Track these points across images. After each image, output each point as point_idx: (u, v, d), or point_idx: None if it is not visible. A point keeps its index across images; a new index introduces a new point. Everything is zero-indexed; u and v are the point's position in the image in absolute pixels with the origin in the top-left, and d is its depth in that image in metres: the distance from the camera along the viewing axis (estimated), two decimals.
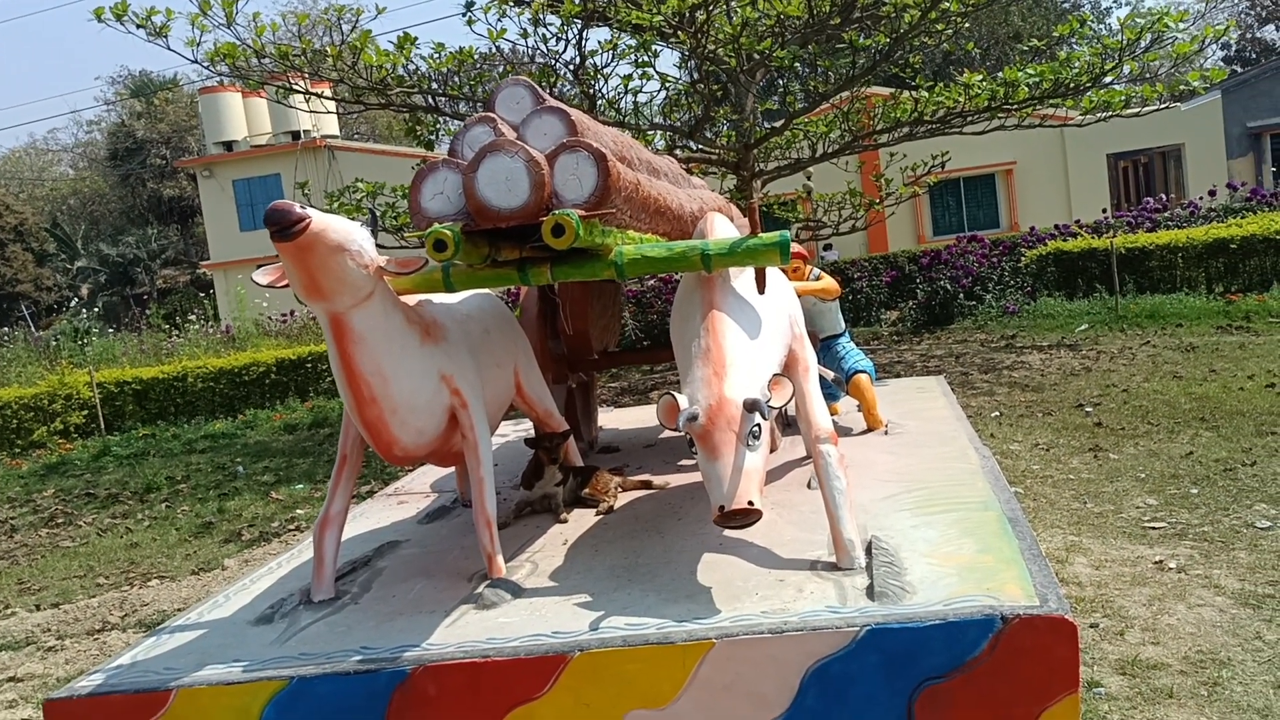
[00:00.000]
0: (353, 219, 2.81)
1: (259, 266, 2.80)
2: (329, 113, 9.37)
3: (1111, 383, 9.11)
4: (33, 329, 27.47)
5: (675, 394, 2.77)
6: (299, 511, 7.85)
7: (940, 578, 2.69)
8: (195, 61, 8.41)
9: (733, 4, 9.36)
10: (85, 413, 13.75)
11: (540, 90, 2.92)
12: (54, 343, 19.01)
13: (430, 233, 2.65)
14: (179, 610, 5.14)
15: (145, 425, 13.77)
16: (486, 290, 3.65)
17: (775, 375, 2.77)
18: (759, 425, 2.69)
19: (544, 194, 2.67)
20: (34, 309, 39.84)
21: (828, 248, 21.75)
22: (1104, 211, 19.09)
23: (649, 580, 2.94)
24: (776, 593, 2.72)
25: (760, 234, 2.98)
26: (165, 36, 8.27)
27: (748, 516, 2.63)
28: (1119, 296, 13.68)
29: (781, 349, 3.09)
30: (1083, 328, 12.81)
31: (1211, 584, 4.29)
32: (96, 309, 29.21)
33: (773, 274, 3.30)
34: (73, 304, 33.29)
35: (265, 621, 3.03)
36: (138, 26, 8.26)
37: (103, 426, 13.45)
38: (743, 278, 3.11)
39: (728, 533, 3.01)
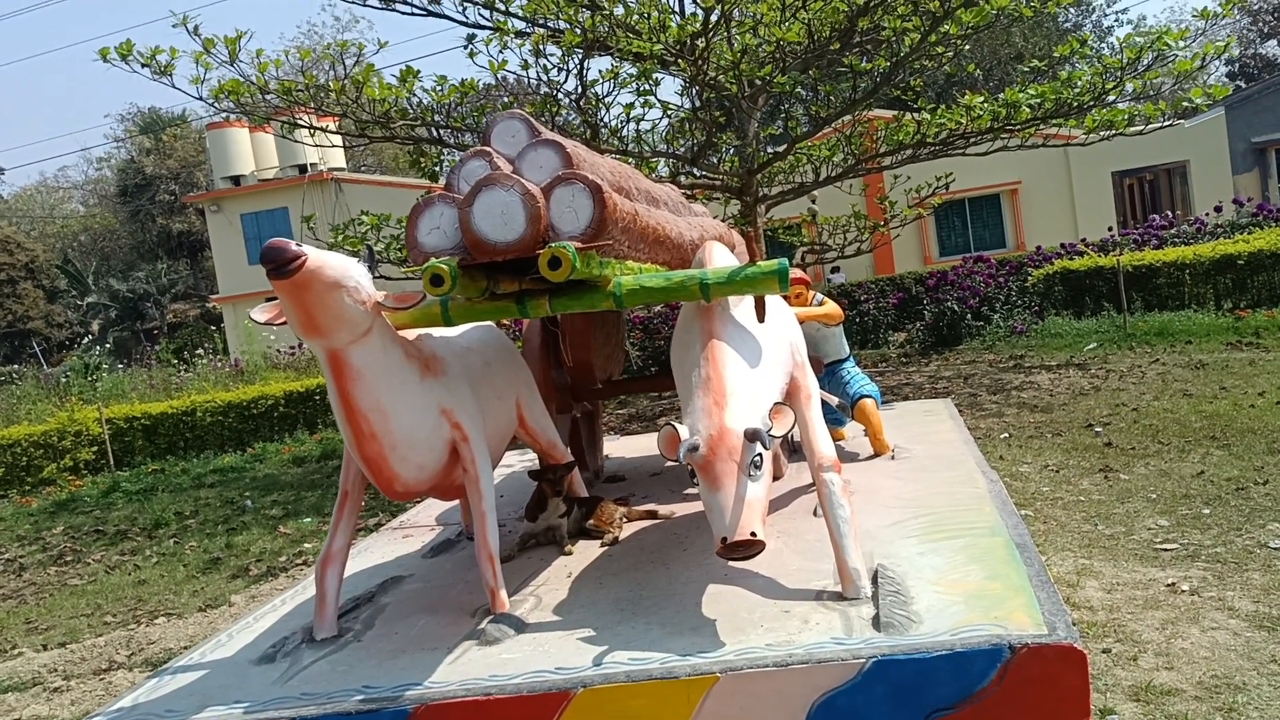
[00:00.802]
0: (355, 251, 2.81)
1: (268, 299, 2.80)
2: (334, 146, 9.44)
3: (1121, 402, 9.05)
4: (44, 366, 27.62)
5: (676, 424, 2.75)
6: (306, 545, 7.83)
7: (947, 606, 2.66)
8: (200, 99, 8.49)
9: (733, 31, 9.40)
10: (95, 449, 13.79)
11: (535, 123, 2.92)
12: (64, 379, 19.08)
13: (427, 268, 2.65)
14: (185, 648, 5.11)
15: (154, 460, 13.79)
16: (488, 322, 3.64)
17: (776, 404, 2.76)
18: (760, 455, 2.67)
19: (540, 227, 2.67)
20: (45, 345, 40.08)
21: (835, 270, 21.78)
22: (1110, 230, 19.08)
23: (653, 613, 2.91)
24: (781, 624, 2.69)
25: (759, 262, 2.97)
26: (170, 75, 8.35)
27: (750, 548, 2.60)
28: (1127, 315, 13.63)
29: (783, 377, 3.08)
30: (1091, 346, 12.75)
31: (1225, 606, 4.23)
32: (108, 345, 29.32)
33: (773, 301, 3.29)
34: (84, 340, 33.43)
35: (268, 661, 3.01)
36: (143, 65, 8.34)
37: (112, 463, 13.48)
38: (742, 306, 3.10)
39: (732, 563, 2.98)
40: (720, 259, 3.18)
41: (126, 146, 48.94)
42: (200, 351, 21.66)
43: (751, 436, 2.65)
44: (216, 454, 13.74)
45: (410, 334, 3.13)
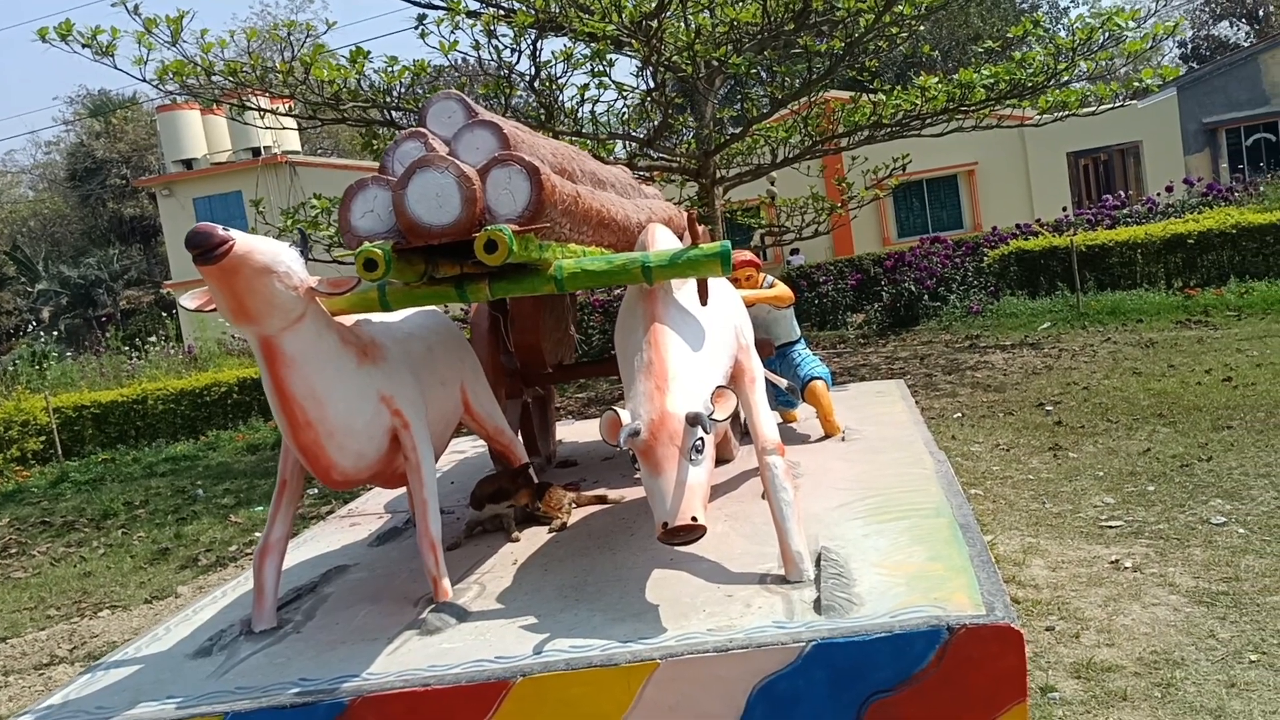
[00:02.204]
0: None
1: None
2: (286, 129, 9.27)
3: (1072, 380, 9.16)
4: None
5: (618, 409, 2.72)
6: (258, 534, 7.68)
7: (889, 588, 2.65)
8: (144, 80, 8.30)
9: (688, 11, 9.34)
10: (43, 439, 13.52)
11: (472, 104, 2.86)
12: (11, 368, 18.69)
13: (360, 252, 2.59)
14: (128, 641, 5.02)
15: (104, 450, 13.56)
16: (432, 307, 3.59)
17: (719, 387, 2.73)
18: (702, 439, 2.64)
19: (476, 210, 2.61)
20: None
21: (794, 252, 21.83)
22: (1064, 210, 19.29)
23: (597, 599, 2.89)
24: (724, 609, 2.67)
25: (701, 244, 2.94)
26: (112, 56, 8.15)
27: (692, 533, 2.58)
28: (1080, 294, 13.79)
29: (726, 360, 3.05)
30: (1045, 326, 12.89)
31: (1166, 582, 4.30)
32: (58, 332, 28.76)
33: (718, 284, 3.26)
34: (31, 328, 32.80)
35: (204, 654, 2.95)
36: (84, 46, 8.13)
37: (60, 452, 13.23)
38: (686, 289, 3.07)
39: (676, 548, 2.96)
40: (663, 241, 3.15)
41: (76, 130, 47.93)
42: (153, 338, 21.31)
43: (693, 421, 2.62)
44: (169, 442, 13.55)
45: (348, 319, 3.07)
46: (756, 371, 3.21)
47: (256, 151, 28.06)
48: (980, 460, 6.84)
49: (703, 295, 2.99)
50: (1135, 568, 4.51)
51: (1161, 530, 4.96)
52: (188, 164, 29.46)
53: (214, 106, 10.96)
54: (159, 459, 12.48)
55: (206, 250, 2.41)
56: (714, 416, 2.67)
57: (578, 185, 3.15)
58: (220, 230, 2.43)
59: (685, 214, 4.71)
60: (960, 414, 8.43)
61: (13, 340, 36.80)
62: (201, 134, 29.46)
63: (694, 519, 2.55)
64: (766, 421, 3.04)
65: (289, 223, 9.07)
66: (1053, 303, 14.01)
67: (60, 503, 10.70)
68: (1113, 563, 4.61)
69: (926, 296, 14.99)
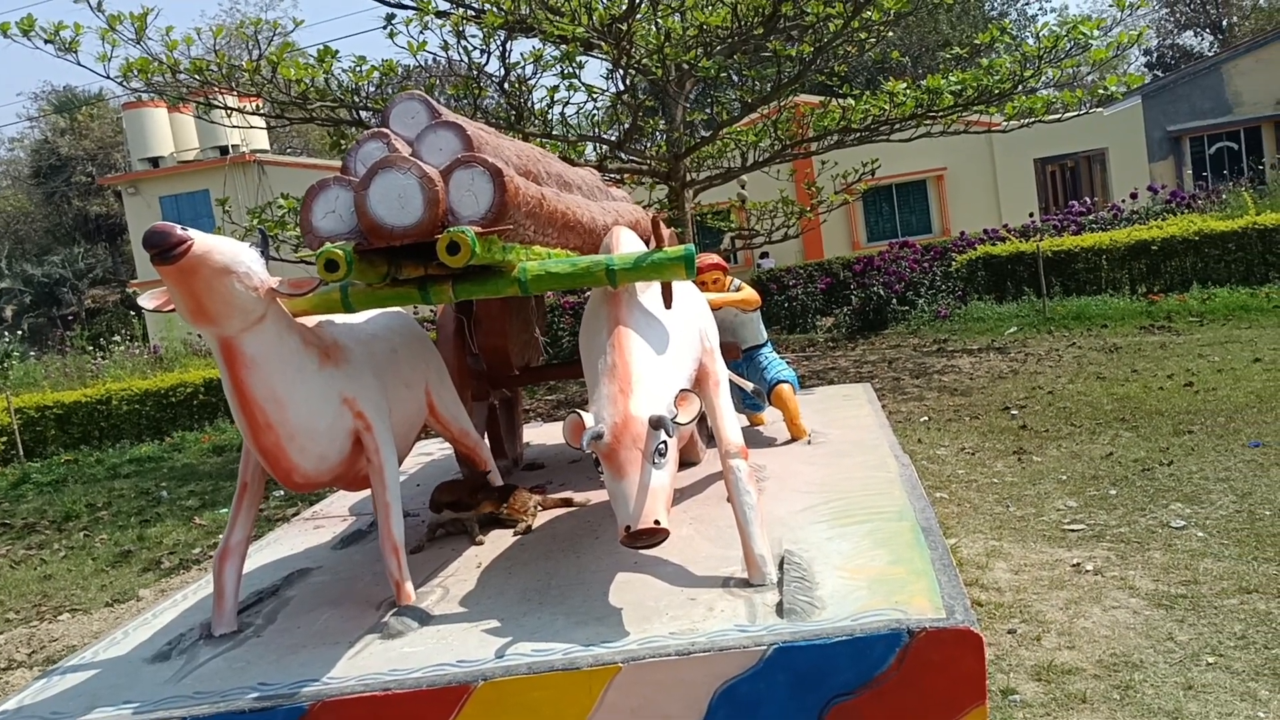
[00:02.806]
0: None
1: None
2: (253, 127, 9.19)
3: (1037, 385, 9.25)
4: None
5: (581, 412, 2.72)
6: (222, 537, 7.64)
7: (850, 591, 2.67)
8: (108, 78, 8.21)
9: (658, 15, 9.35)
10: (4, 439, 13.32)
11: (436, 104, 2.85)
12: None
13: (321, 253, 2.58)
14: (85, 645, 4.96)
15: (68, 451, 13.37)
16: (397, 309, 3.57)
17: (682, 391, 2.73)
18: (665, 442, 2.64)
19: (438, 211, 2.61)
20: None
21: (764, 256, 21.90)
22: (1030, 215, 19.47)
23: (560, 603, 2.88)
24: (687, 612, 2.68)
25: (665, 247, 2.94)
26: (75, 52, 8.04)
27: (654, 536, 2.58)
28: (1046, 299, 13.92)
29: (690, 363, 3.06)
30: (1012, 330, 13.01)
31: (1127, 585, 4.34)
32: (21, 331, 28.33)
33: (683, 287, 3.27)
34: None
35: (162, 659, 2.92)
36: (46, 42, 8.02)
37: (22, 453, 13.03)
38: (650, 292, 3.07)
39: (640, 551, 2.96)
40: (628, 244, 3.15)
41: (40, 126, 47.25)
42: (118, 338, 21.04)
43: (656, 424, 2.63)
44: (133, 444, 13.37)
45: (311, 321, 3.05)
46: (721, 375, 3.22)
47: (224, 150, 27.78)
48: (946, 464, 6.88)
49: (667, 298, 2.99)
50: (1096, 571, 4.55)
51: (1122, 534, 5.01)
52: (154, 162, 29.11)
53: (180, 104, 10.84)
54: (123, 460, 12.32)
55: (164, 250, 2.39)
56: (677, 420, 2.67)
57: (543, 187, 3.14)
58: (179, 230, 2.41)
59: (651, 217, 4.72)
60: (927, 417, 8.48)
61: None
62: (168, 132, 29.14)
63: (657, 522, 2.55)
64: (730, 425, 3.05)
65: (255, 222, 8.98)
66: (1019, 307, 14.14)
67: (21, 504, 10.54)
68: (1074, 566, 4.65)
69: (895, 301, 15.08)
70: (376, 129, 2.81)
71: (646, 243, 3.66)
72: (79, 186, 41.58)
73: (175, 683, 2.70)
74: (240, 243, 2.61)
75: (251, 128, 9.78)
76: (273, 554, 4.03)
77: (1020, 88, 10.43)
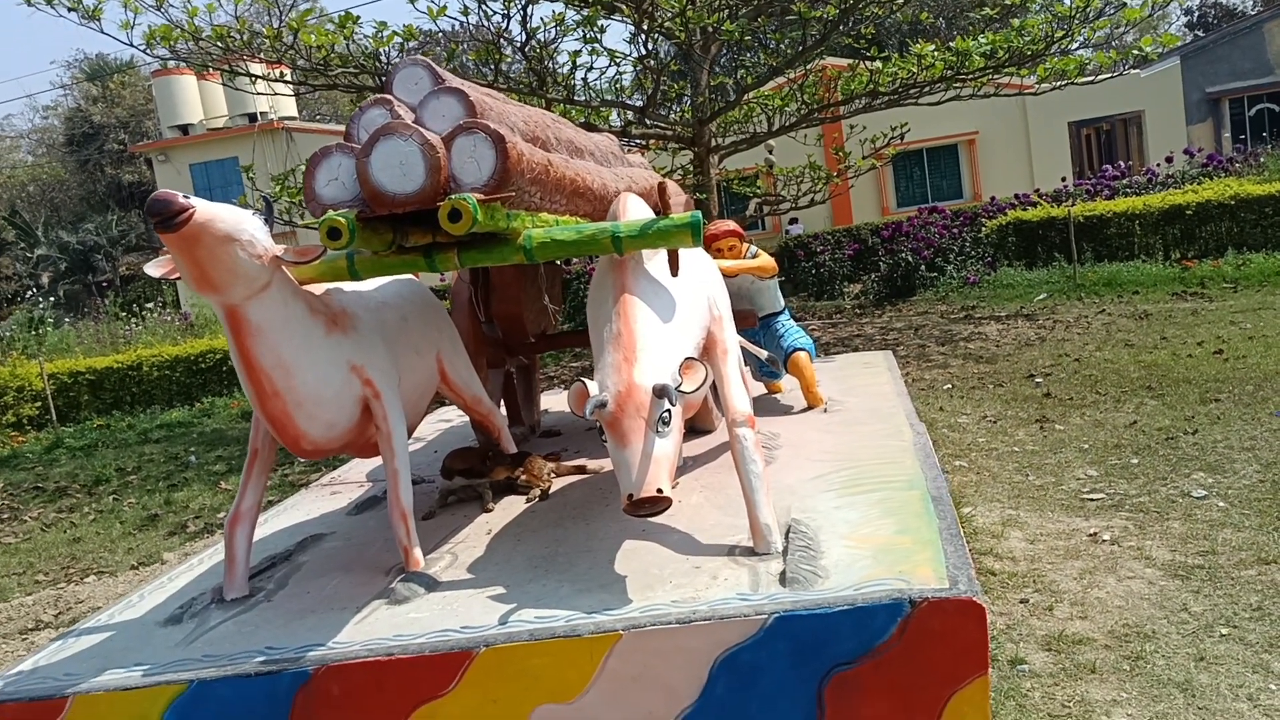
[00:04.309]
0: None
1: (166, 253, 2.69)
2: (278, 94, 9.17)
3: (1064, 352, 9.14)
4: None
5: (586, 380, 2.71)
6: (233, 503, 7.74)
7: (855, 561, 2.66)
8: (130, 45, 8.22)
9: None
10: (38, 405, 13.53)
11: (440, 70, 2.83)
12: (7, 334, 18.68)
13: (324, 220, 2.57)
14: (102, 608, 5.06)
15: (100, 416, 13.57)
16: (408, 276, 3.57)
17: (688, 359, 2.71)
18: (669, 411, 2.63)
19: (440, 178, 2.59)
20: None
21: (793, 222, 21.74)
22: (1063, 180, 19.17)
23: (566, 570, 2.89)
24: (690, 580, 2.68)
25: (673, 214, 2.91)
26: (98, 20, 8.06)
27: (657, 504, 2.58)
28: (1077, 265, 13.73)
29: (698, 332, 3.03)
30: (1041, 297, 12.85)
31: (1143, 555, 4.30)
32: (54, 298, 28.68)
33: (693, 254, 3.24)
34: (29, 294, 32.75)
35: (174, 622, 2.96)
36: (69, 10, 8.05)
37: (55, 418, 13.24)
38: (657, 260, 3.04)
39: (649, 519, 2.96)
40: (635, 211, 3.11)
41: (73, 94, 47.61)
42: (151, 305, 21.26)
43: (660, 393, 2.61)
44: (163, 409, 13.55)
45: (318, 289, 3.05)
46: (730, 343, 3.20)
47: (253, 117, 27.88)
48: (966, 432, 6.83)
49: (673, 266, 2.97)
50: (1113, 541, 4.50)
51: (1142, 503, 4.96)
52: (184, 129, 29.29)
53: (206, 72, 10.87)
54: (153, 425, 12.49)
55: (166, 218, 2.39)
56: (682, 388, 2.66)
57: (550, 154, 3.11)
58: (180, 198, 2.41)
59: (669, 183, 4.68)
60: (950, 385, 8.42)
61: (12, 306, 36.74)
62: (198, 99, 29.27)
63: (659, 491, 2.55)
64: (738, 393, 3.03)
65: (278, 189, 9.01)
66: (1049, 274, 13.96)
67: (54, 468, 10.72)
68: (1091, 535, 4.61)
69: (924, 267, 14.93)
70: (379, 95, 2.79)
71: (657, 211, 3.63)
72: (112, 154, 41.91)
73: (185, 646, 2.74)
74: (244, 210, 2.61)
75: (276, 95, 9.76)
76: (289, 519, 4.07)
77: (1053, 49, 10.22)
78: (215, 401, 13.35)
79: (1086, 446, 6.10)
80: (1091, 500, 5.10)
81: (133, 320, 19.03)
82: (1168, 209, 13.94)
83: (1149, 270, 13.10)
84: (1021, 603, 3.97)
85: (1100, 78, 10.76)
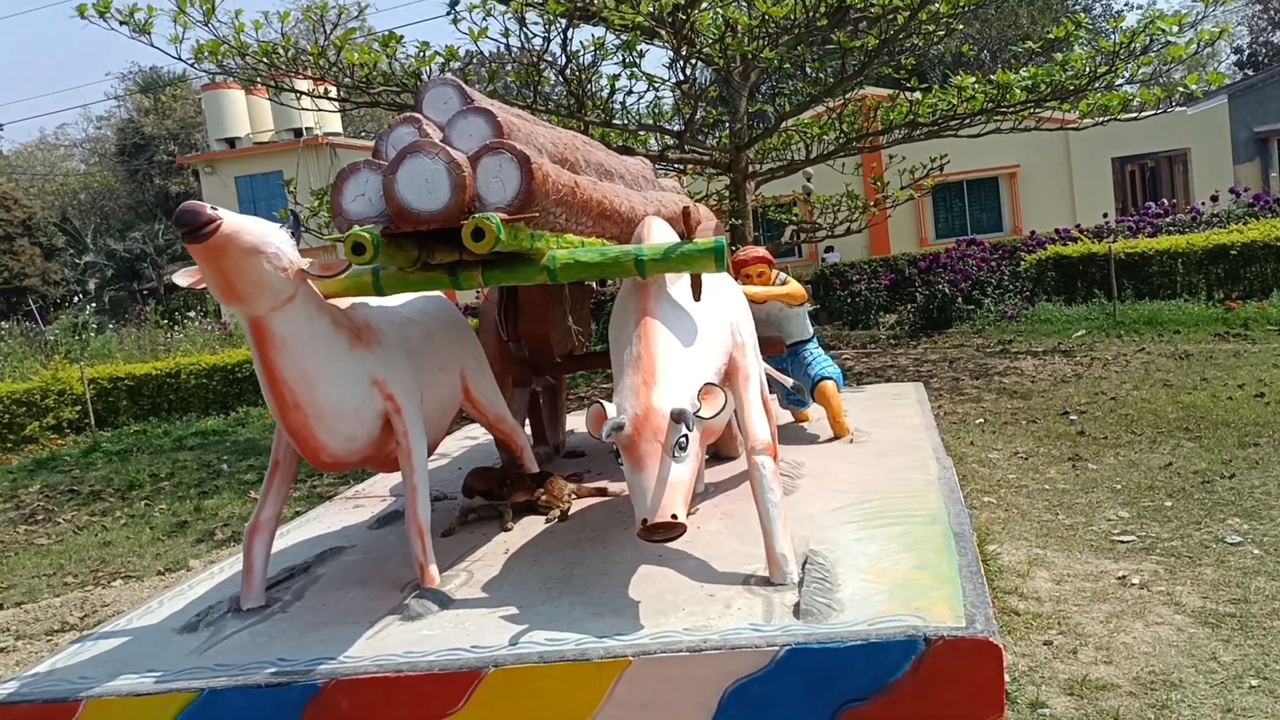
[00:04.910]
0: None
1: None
2: (323, 110, 9.32)
3: (1101, 390, 9.01)
4: (40, 323, 27.53)
5: (604, 403, 2.70)
6: (253, 513, 7.80)
7: (871, 595, 2.62)
8: (179, 59, 8.39)
9: (718, 4, 9.26)
10: (78, 408, 13.74)
11: (469, 90, 2.85)
12: (51, 338, 19.02)
13: (349, 235, 2.59)
14: (122, 613, 5.10)
15: (137, 421, 13.76)
16: (436, 293, 3.58)
17: (707, 384, 2.70)
18: (686, 436, 2.61)
19: (465, 197, 2.60)
20: (41, 303, 39.93)
21: (830, 250, 21.67)
22: (1105, 216, 18.96)
23: (580, 593, 2.87)
24: (703, 608, 2.65)
25: (696, 239, 2.91)
26: (148, 34, 8.23)
27: (671, 530, 2.56)
28: (1117, 302, 13.56)
29: (719, 357, 3.02)
30: (1079, 333, 12.69)
31: (1173, 601, 4.20)
32: (96, 305, 29.20)
33: (718, 279, 3.23)
34: (76, 300, 33.35)
35: (190, 630, 2.98)
36: (121, 23, 8.22)
37: (94, 422, 13.44)
38: (680, 284, 3.04)
39: (665, 544, 2.94)
40: (659, 234, 3.11)
41: (126, 105, 48.64)
42: (191, 314, 21.57)
43: (677, 417, 2.60)
44: (199, 417, 13.71)
45: (344, 303, 3.07)
46: (752, 369, 3.18)
47: (298, 132, 28.31)
48: (997, 468, 6.74)
49: (696, 290, 2.96)
50: (1142, 585, 4.41)
51: (1174, 547, 4.85)
52: (231, 142, 29.79)
53: (253, 86, 11.07)
54: (188, 432, 12.64)
55: (194, 228, 2.42)
56: (700, 414, 2.64)
57: (578, 175, 3.13)
58: (208, 209, 2.44)
59: (700, 207, 4.68)
60: (983, 420, 8.32)
61: (59, 310, 37.44)
62: (245, 113, 29.77)
63: (674, 516, 2.53)
64: (758, 421, 3.01)
65: (319, 204, 9.12)
66: (1089, 310, 13.80)
67: (90, 472, 10.87)
68: (1120, 578, 4.52)
69: (960, 299, 14.81)
70: (409, 113, 2.82)
71: (692, 235, 3.63)
72: (161, 165, 42.70)
73: (199, 654, 2.75)
74: (271, 223, 2.64)
75: (321, 110, 9.91)
76: (310, 531, 4.09)
77: (1096, 84, 10.14)
78: (250, 411, 13.49)
79: (1119, 487, 5.99)
80: (1122, 542, 5.00)
81: (174, 328, 19.32)
82: (1212, 248, 13.74)
83: (1191, 310, 12.91)
84: (1045, 644, 3.89)
85: (1144, 114, 10.65)
